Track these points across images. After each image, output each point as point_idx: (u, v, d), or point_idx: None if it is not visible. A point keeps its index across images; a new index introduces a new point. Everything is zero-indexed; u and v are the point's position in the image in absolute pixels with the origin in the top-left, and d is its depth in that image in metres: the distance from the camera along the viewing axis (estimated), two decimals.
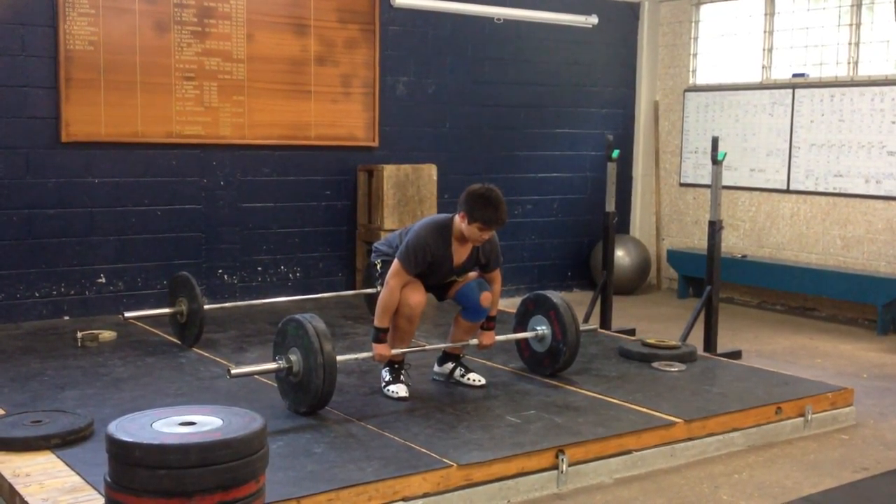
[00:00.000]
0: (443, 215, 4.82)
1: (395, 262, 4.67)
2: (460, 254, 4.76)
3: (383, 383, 4.84)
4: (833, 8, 8.12)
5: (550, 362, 5.19)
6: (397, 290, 4.64)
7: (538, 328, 5.22)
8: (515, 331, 5.38)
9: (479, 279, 4.89)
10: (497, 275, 4.94)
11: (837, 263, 8.03)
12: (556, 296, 5.26)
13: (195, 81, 7.09)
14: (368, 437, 4.15)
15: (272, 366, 4.52)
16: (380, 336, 4.65)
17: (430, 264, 4.69)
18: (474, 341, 4.98)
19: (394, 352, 4.74)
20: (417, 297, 4.69)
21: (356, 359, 4.84)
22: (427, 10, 8.12)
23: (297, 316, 4.50)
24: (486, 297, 4.82)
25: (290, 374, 4.47)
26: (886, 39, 7.78)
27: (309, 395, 4.38)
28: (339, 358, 4.47)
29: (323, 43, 7.60)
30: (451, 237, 4.70)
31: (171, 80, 7.00)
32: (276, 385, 4.98)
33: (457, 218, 4.66)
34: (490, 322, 4.97)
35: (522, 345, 5.39)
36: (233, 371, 4.46)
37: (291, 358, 4.45)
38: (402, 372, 4.85)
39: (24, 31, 6.51)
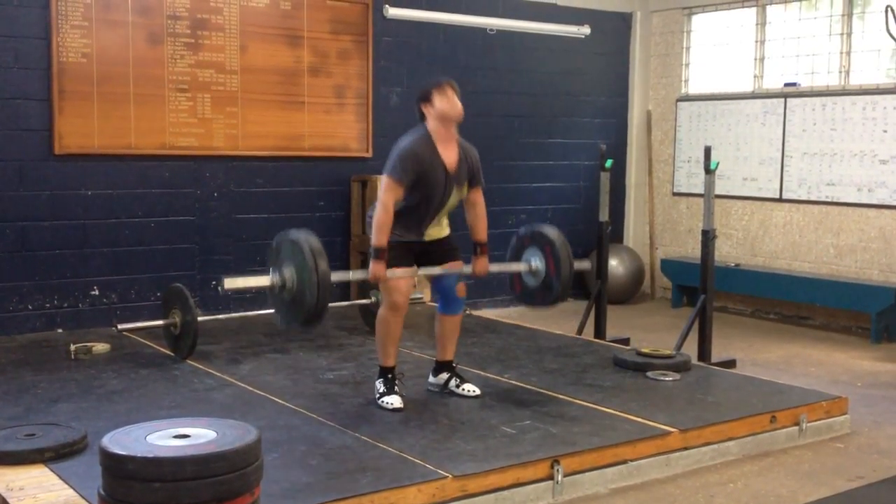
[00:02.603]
0: (414, 130, 4.83)
1: (386, 178, 4.61)
2: (449, 155, 4.74)
3: (377, 395, 4.83)
4: (824, 17, 8.16)
5: (542, 297, 5.17)
6: (391, 205, 4.58)
7: (532, 262, 5.18)
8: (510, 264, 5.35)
9: (457, 275, 4.87)
10: (480, 196, 4.95)
11: (831, 272, 8.05)
12: (552, 230, 5.22)
13: (188, 93, 7.10)
14: (363, 448, 4.14)
15: (266, 281, 4.48)
16: (378, 254, 4.58)
17: (425, 174, 4.63)
18: (468, 269, 4.90)
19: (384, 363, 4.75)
20: (404, 296, 4.68)
21: (350, 279, 4.67)
22: (420, 21, 8.14)
23: (292, 232, 4.47)
24: (461, 288, 4.88)
25: (283, 291, 4.42)
26: (878, 49, 7.81)
27: (302, 312, 4.34)
28: (333, 276, 4.42)
29: (316, 54, 7.61)
30: (434, 141, 4.72)
31: (164, 92, 7.00)
32: (271, 397, 4.98)
33: (427, 122, 4.74)
34: (483, 247, 4.93)
35: (515, 279, 5.34)
36: (226, 285, 4.45)
37: (285, 274, 4.41)
38: (397, 382, 4.84)
39: (16, 44, 6.51)
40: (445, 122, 4.76)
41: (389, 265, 4.62)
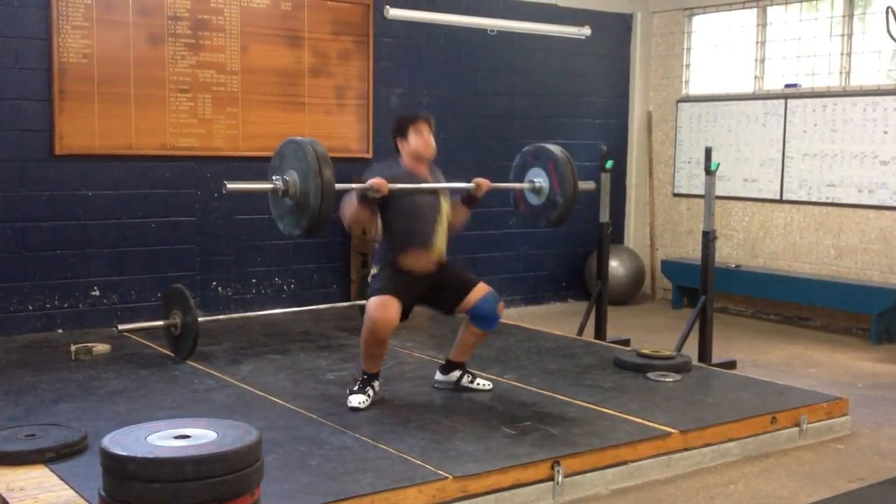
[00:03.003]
0: (387, 160, 4.91)
1: (352, 195, 4.63)
2: (420, 169, 4.78)
3: (348, 391, 4.82)
4: (825, 18, 8.16)
5: (546, 215, 5.16)
6: (355, 205, 4.61)
7: (536, 180, 5.16)
8: (513, 182, 5.34)
9: (493, 292, 4.87)
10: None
11: (831, 273, 8.05)
12: (556, 148, 5.21)
13: (189, 93, 7.10)
14: (363, 449, 4.14)
15: (268, 185, 4.44)
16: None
17: (400, 181, 4.65)
18: (472, 186, 4.90)
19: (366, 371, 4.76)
20: (387, 312, 4.55)
21: (353, 188, 4.58)
22: (421, 22, 8.14)
23: (297, 138, 4.43)
24: (501, 307, 4.90)
25: (286, 196, 4.37)
26: (878, 50, 7.81)
27: (305, 218, 4.30)
28: (337, 186, 4.38)
29: (317, 55, 7.61)
30: (403, 163, 4.79)
31: (165, 93, 7.00)
32: (271, 398, 4.98)
33: (401, 153, 4.79)
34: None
35: (518, 197, 5.32)
36: (228, 185, 4.49)
37: (288, 179, 4.36)
38: (371, 385, 4.79)
39: (17, 44, 6.51)
40: (418, 160, 4.79)
41: (382, 291, 4.58)
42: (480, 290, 4.85)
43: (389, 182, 4.62)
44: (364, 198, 4.61)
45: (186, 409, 4.72)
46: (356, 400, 4.73)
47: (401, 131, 4.78)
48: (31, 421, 4.45)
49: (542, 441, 4.27)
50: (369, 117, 7.90)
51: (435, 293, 4.85)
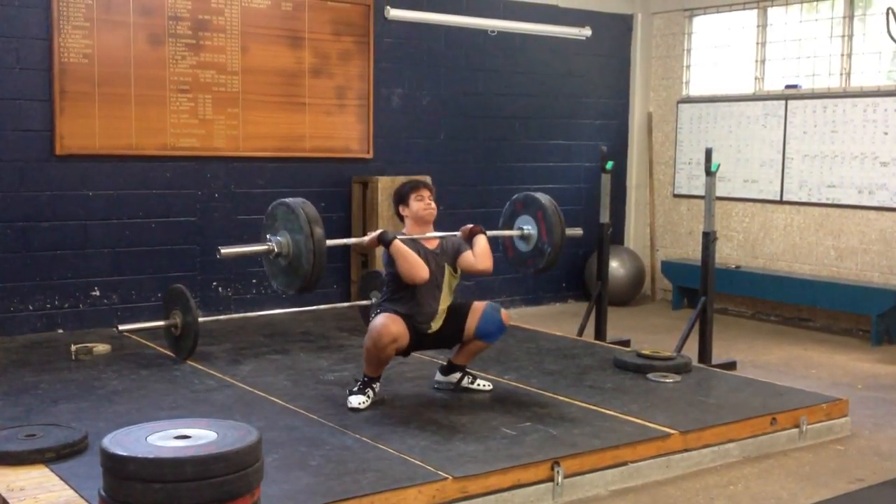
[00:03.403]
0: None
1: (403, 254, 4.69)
2: (428, 241, 4.89)
3: (348, 391, 4.85)
4: (825, 20, 8.17)
5: (534, 262, 5.27)
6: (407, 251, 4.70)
7: (524, 227, 5.28)
8: (502, 230, 5.48)
9: (491, 304, 4.94)
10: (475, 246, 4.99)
11: (831, 274, 8.05)
12: (544, 197, 5.40)
13: (190, 94, 7.10)
14: (364, 449, 4.14)
15: (262, 247, 4.52)
16: (387, 238, 4.69)
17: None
18: (459, 233, 4.98)
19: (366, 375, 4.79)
20: (390, 321, 4.63)
21: (345, 244, 4.77)
22: (421, 23, 8.14)
23: (288, 200, 4.50)
24: (506, 316, 4.93)
25: (279, 257, 4.45)
26: (878, 51, 7.82)
27: (298, 278, 4.38)
28: (328, 242, 4.46)
29: (317, 55, 7.61)
30: (406, 232, 4.90)
31: (165, 93, 7.01)
32: (271, 398, 4.98)
33: (405, 223, 4.91)
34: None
35: (507, 244, 5.51)
36: (223, 251, 4.61)
37: (281, 240, 4.43)
38: (372, 386, 4.81)
39: (18, 44, 6.51)
40: (421, 224, 4.91)
41: (395, 313, 4.69)
42: (477, 309, 4.91)
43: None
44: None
45: (186, 410, 4.72)
46: (356, 400, 4.74)
47: (402, 199, 4.92)
48: (32, 421, 4.45)
49: (542, 442, 4.27)
50: (370, 118, 7.90)
51: (439, 334, 4.91)
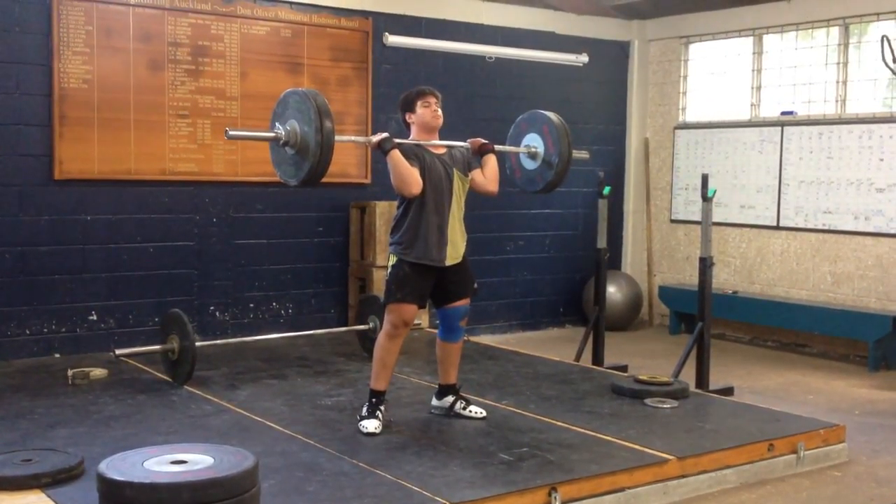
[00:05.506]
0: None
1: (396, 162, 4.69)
2: (435, 148, 4.87)
3: (359, 416, 4.84)
4: (821, 47, 8.23)
5: (542, 177, 5.32)
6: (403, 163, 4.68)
7: (531, 145, 5.31)
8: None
9: (467, 307, 4.97)
10: (486, 163, 5.02)
11: (828, 300, 8.06)
12: (549, 113, 5.41)
13: (189, 119, 7.13)
14: (360, 475, 4.13)
15: (270, 134, 4.52)
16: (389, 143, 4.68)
17: (415, 160, 4.73)
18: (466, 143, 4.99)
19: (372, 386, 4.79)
20: (402, 311, 4.75)
21: (354, 141, 4.66)
22: (419, 49, 8.19)
23: (301, 89, 4.51)
24: (464, 321, 5.00)
25: (286, 145, 4.45)
26: (874, 78, 7.87)
27: (302, 171, 4.39)
28: (337, 138, 4.46)
29: (316, 81, 7.65)
30: (412, 137, 4.90)
31: (164, 118, 7.04)
32: (268, 423, 4.97)
33: (411, 131, 4.90)
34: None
35: (514, 164, 5.53)
36: (230, 132, 4.56)
37: (289, 129, 4.44)
38: (380, 409, 4.82)
39: (18, 70, 6.54)
40: (427, 131, 4.89)
41: (404, 300, 4.73)
42: (462, 301, 4.96)
43: (408, 152, 4.73)
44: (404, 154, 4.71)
45: (183, 435, 4.71)
46: (371, 425, 4.73)
47: (409, 106, 4.90)
48: (28, 446, 4.44)
49: (540, 467, 4.27)
50: None
51: (439, 287, 4.90)
